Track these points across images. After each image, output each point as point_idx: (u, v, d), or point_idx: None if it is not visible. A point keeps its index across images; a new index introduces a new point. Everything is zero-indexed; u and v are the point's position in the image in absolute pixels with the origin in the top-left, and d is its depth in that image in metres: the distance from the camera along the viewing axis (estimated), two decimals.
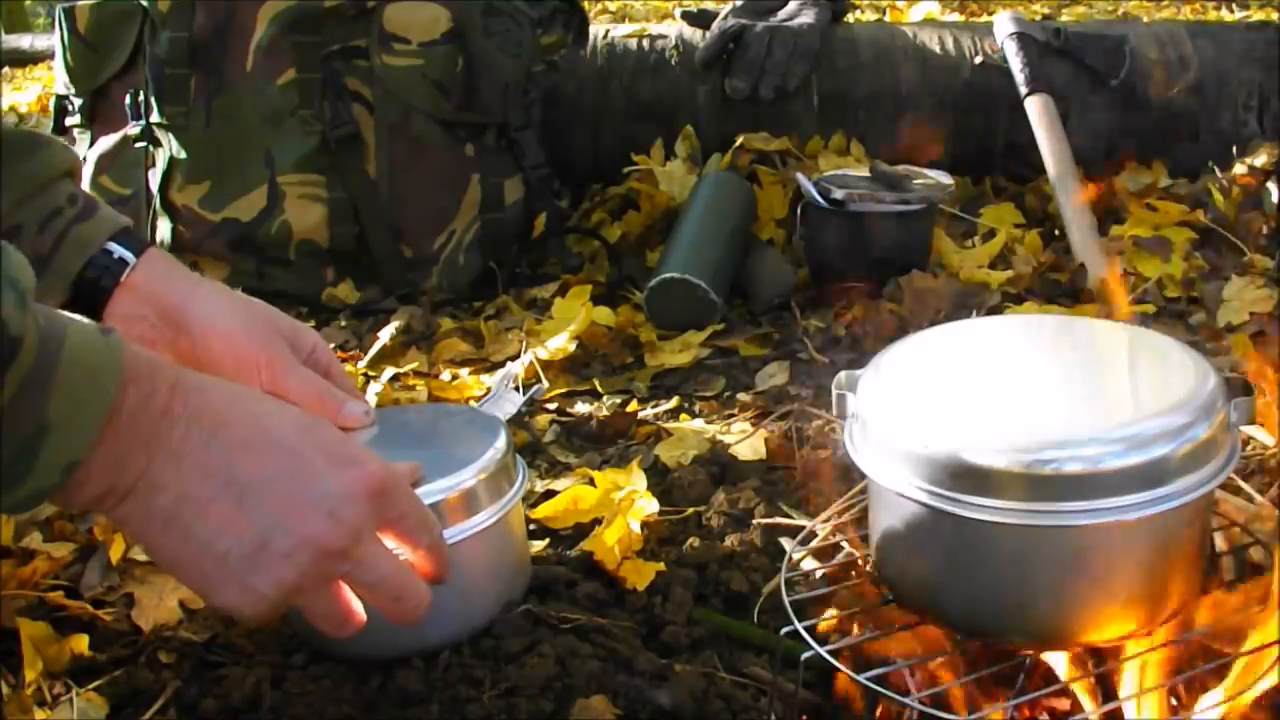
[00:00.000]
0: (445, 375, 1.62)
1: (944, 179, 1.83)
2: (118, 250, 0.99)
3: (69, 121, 2.02)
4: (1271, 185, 1.95)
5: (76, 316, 0.67)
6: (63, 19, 1.95)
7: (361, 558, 0.74)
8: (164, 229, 1.89)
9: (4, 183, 0.94)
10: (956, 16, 3.74)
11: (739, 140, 2.08)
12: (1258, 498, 1.06)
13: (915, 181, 1.80)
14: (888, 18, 3.57)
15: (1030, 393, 0.90)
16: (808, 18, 2.19)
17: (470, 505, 0.98)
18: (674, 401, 1.51)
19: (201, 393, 0.72)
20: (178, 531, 0.70)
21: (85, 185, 1.92)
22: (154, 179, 1.90)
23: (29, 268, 0.64)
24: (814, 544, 1.05)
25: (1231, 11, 3.69)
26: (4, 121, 1.01)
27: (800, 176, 1.83)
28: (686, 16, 2.29)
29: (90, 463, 0.66)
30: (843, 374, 0.95)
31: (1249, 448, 1.22)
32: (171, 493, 0.70)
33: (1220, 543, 1.01)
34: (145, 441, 0.69)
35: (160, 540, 0.71)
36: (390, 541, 0.77)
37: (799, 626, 0.90)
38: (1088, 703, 0.89)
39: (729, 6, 2.24)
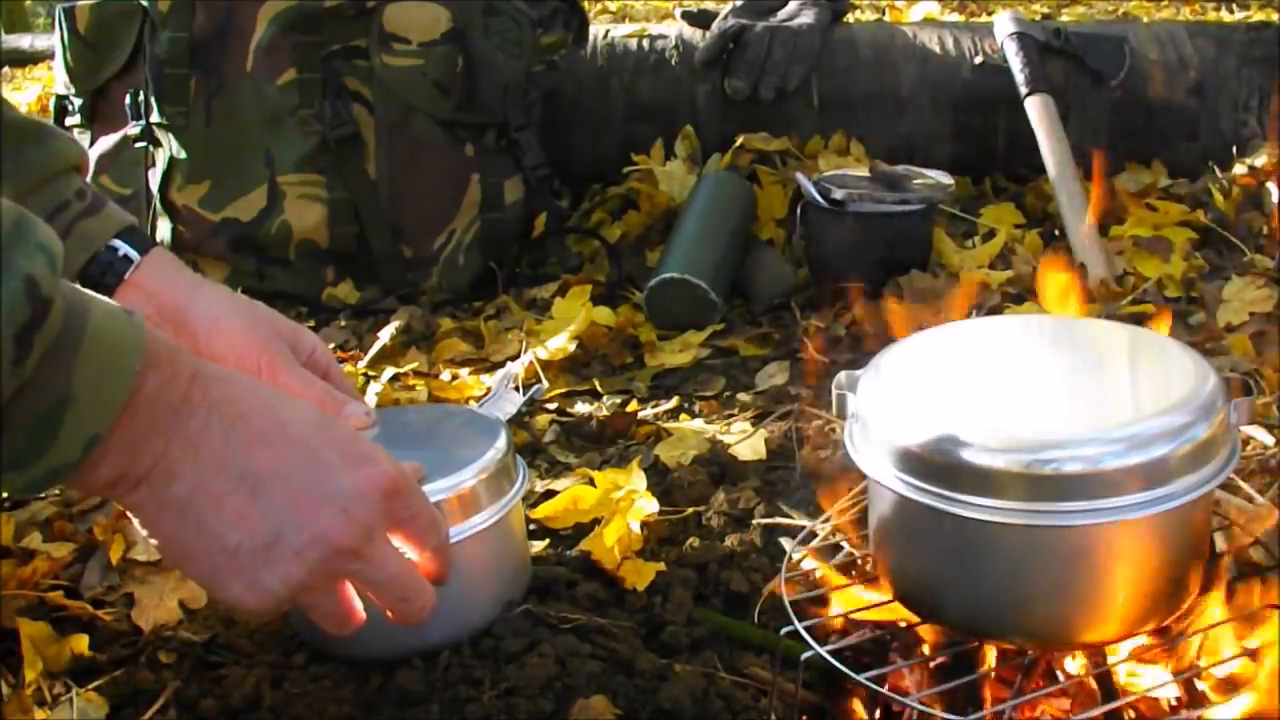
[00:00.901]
0: (445, 375, 1.62)
1: (944, 179, 1.83)
2: (122, 247, 1.00)
3: (69, 121, 2.02)
4: (1271, 185, 1.95)
5: (99, 295, 0.67)
6: (63, 19, 1.95)
7: (371, 557, 0.74)
8: (164, 229, 1.89)
9: (13, 170, 0.94)
10: (956, 16, 3.74)
11: (739, 140, 2.08)
12: (1258, 498, 1.06)
13: (915, 181, 1.81)
14: (888, 18, 3.57)
15: (1030, 393, 0.90)
16: (808, 18, 2.19)
17: (470, 505, 0.98)
18: (674, 401, 1.51)
19: (221, 383, 0.72)
20: (190, 522, 0.70)
21: None
22: (154, 179, 1.90)
23: (58, 239, 0.64)
24: (814, 544, 1.05)
25: (1231, 12, 3.69)
26: (15, 110, 1.01)
27: (800, 176, 1.83)
28: (686, 16, 2.29)
29: (109, 441, 0.66)
30: (843, 374, 0.95)
31: (1249, 448, 1.22)
32: (186, 483, 0.69)
33: (1220, 543, 1.01)
34: (163, 427, 0.68)
35: (171, 530, 0.71)
36: (396, 541, 0.77)
37: (799, 626, 0.90)
38: (1087, 703, 0.89)
39: (729, 6, 2.24)
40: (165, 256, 1.03)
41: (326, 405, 0.96)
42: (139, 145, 1.91)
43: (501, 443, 1.02)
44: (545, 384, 1.53)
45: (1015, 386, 0.92)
